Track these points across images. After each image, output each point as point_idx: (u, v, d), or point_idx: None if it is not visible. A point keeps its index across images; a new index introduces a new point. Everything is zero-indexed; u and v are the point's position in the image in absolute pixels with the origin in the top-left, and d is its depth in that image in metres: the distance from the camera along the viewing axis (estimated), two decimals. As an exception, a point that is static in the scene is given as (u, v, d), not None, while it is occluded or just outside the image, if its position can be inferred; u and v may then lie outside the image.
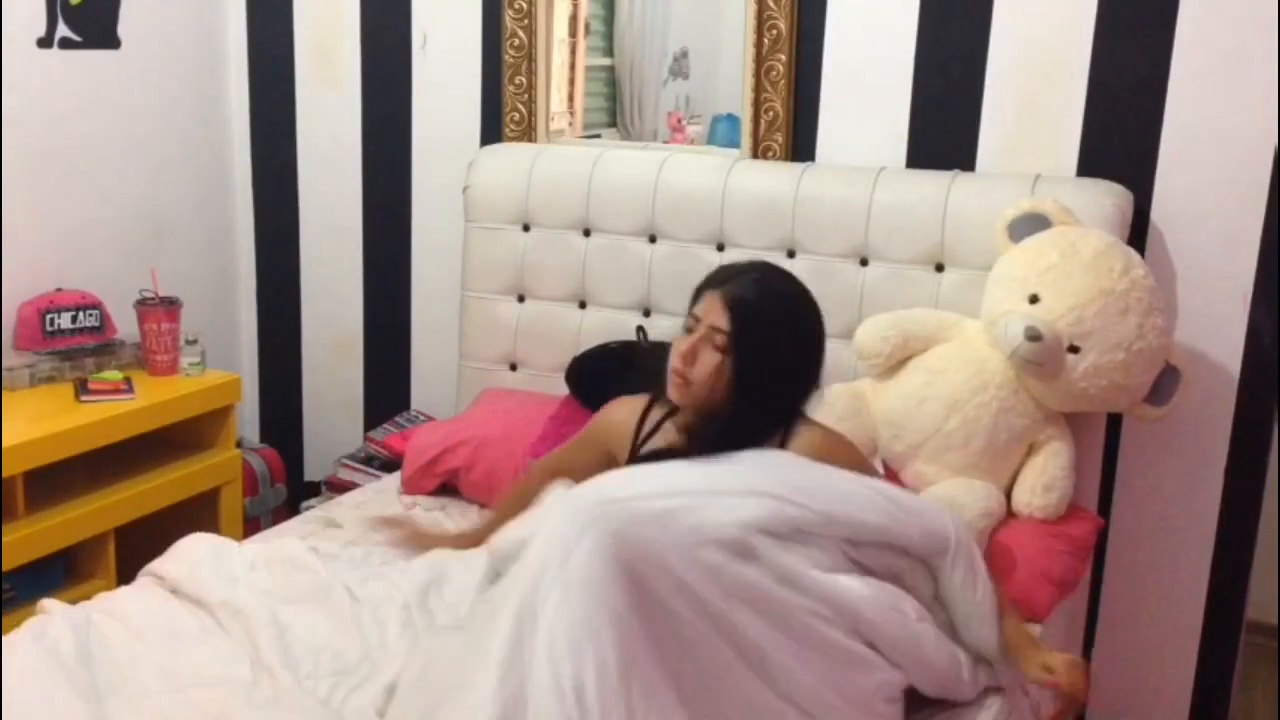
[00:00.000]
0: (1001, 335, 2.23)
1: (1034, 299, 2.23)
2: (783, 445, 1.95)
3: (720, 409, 1.91)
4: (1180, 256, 2.44)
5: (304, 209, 3.37)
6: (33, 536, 2.46)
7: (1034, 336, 2.18)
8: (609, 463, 2.09)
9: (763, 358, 1.89)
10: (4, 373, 2.73)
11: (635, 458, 2.06)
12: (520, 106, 2.96)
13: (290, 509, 3.16)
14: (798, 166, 2.64)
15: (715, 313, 1.89)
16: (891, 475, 2.38)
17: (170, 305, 2.91)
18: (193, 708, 1.72)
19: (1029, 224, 2.31)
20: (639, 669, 1.55)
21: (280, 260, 3.42)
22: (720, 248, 2.66)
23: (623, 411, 2.15)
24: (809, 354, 1.96)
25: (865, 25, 2.62)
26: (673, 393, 1.95)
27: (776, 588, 1.71)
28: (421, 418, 3.14)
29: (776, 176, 2.62)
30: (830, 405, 2.40)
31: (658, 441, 2.05)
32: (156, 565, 2.09)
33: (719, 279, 1.95)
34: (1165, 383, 2.27)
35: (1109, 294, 2.19)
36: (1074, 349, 2.21)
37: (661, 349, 2.64)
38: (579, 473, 1.99)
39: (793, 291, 1.97)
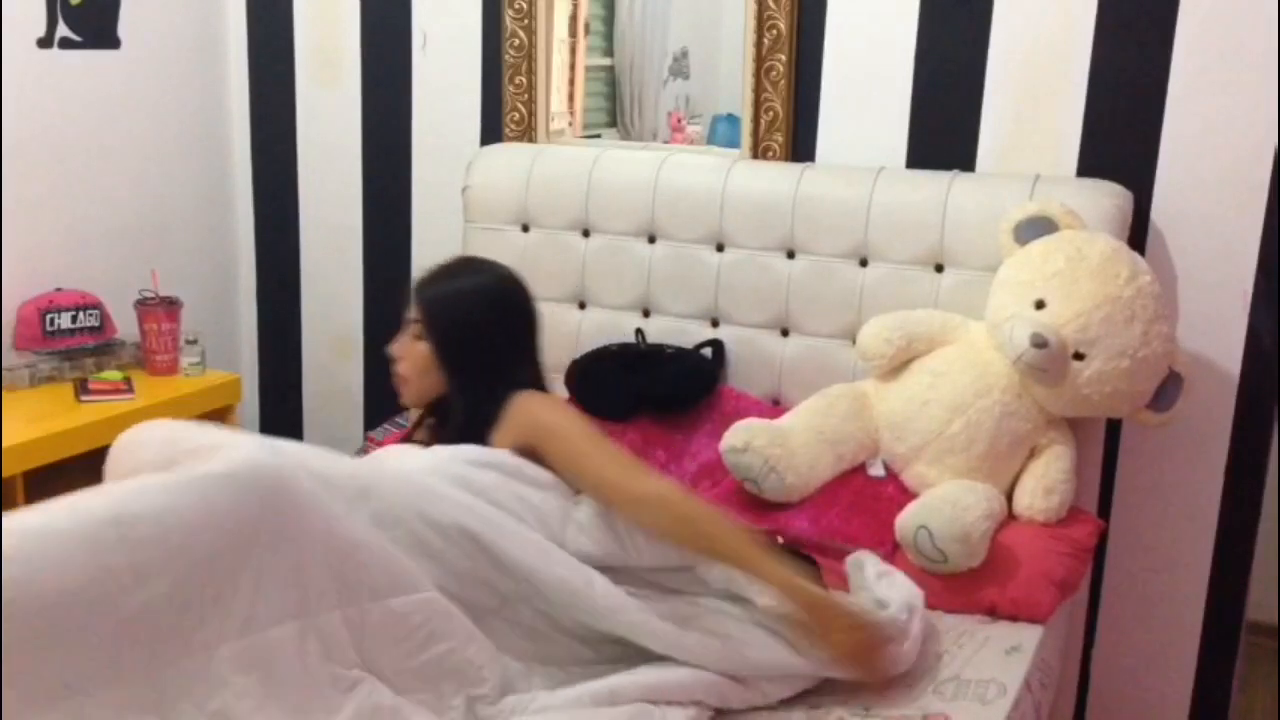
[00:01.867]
0: (1007, 340, 2.23)
1: (1040, 304, 2.23)
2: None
3: (442, 397, 2.05)
4: (1180, 257, 2.44)
5: (304, 209, 3.37)
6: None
7: (1040, 343, 2.18)
8: None
9: (455, 336, 2.02)
10: (4, 373, 2.73)
11: None
12: (520, 106, 2.96)
13: (290, 509, 3.15)
14: (798, 166, 2.64)
15: (414, 308, 2.06)
16: (893, 476, 2.39)
17: (170, 305, 2.92)
18: None
19: (1034, 227, 2.31)
20: None
21: (280, 260, 3.42)
22: (720, 248, 2.66)
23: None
24: (504, 328, 2.06)
25: (865, 25, 2.62)
26: (401, 397, 2.11)
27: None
28: (421, 418, 3.14)
29: (776, 176, 2.62)
30: (833, 405, 2.41)
31: (418, 436, 2.17)
32: None
33: (426, 279, 2.10)
34: (1168, 389, 2.26)
35: (1115, 300, 2.19)
36: (1079, 355, 2.20)
37: (661, 350, 2.66)
38: None
39: (483, 273, 2.11)
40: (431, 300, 2.06)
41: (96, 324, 2.91)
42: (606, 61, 3.29)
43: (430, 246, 3.19)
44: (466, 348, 2.03)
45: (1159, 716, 2.62)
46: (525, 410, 1.97)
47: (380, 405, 3.32)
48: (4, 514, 1.40)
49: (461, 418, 2.01)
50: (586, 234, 2.79)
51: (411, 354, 2.05)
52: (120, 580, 1.41)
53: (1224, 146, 2.37)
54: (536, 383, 2.08)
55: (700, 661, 1.78)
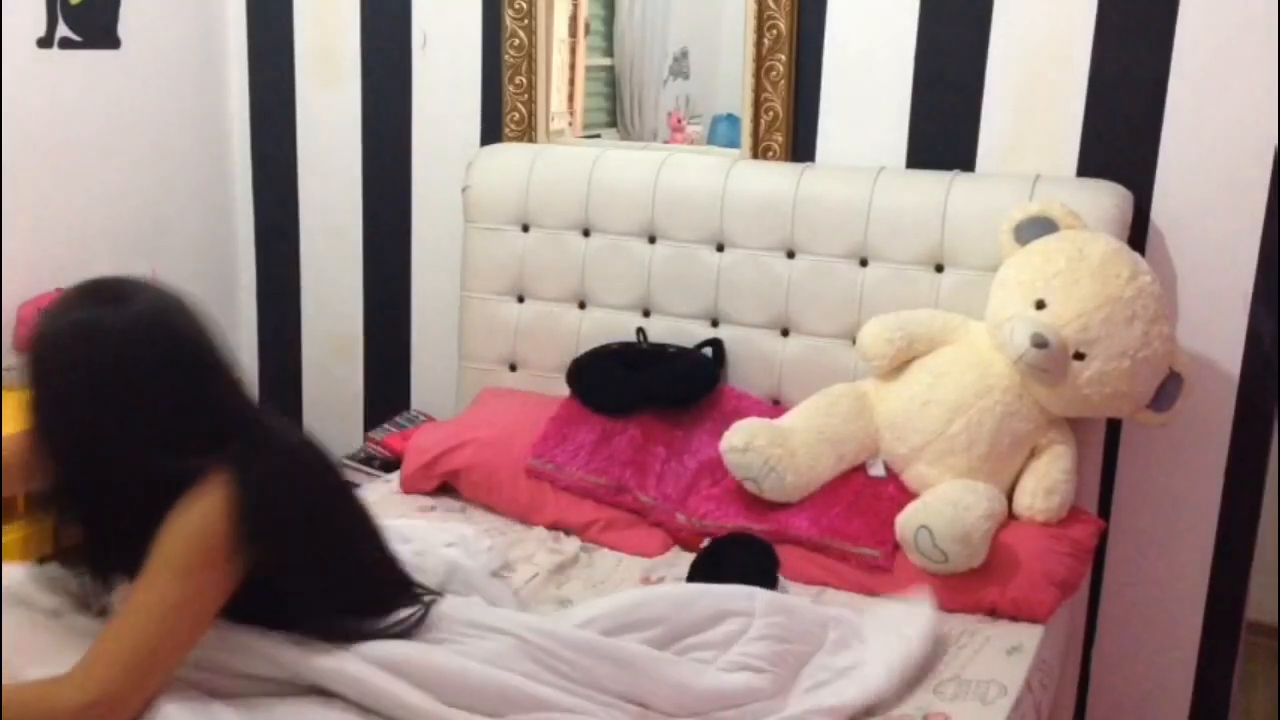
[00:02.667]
0: (1007, 341, 2.23)
1: (1040, 304, 2.23)
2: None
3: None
4: (1180, 257, 2.44)
5: (304, 209, 3.37)
6: (33, 536, 2.46)
7: (1040, 343, 2.18)
8: None
9: (58, 419, 1.52)
10: (4, 373, 2.73)
11: None
12: (520, 106, 2.96)
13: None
14: (798, 166, 2.64)
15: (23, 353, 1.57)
16: (893, 476, 2.39)
17: (170, 305, 2.91)
18: None
19: (1035, 227, 2.31)
20: None
21: (280, 260, 3.42)
22: (720, 248, 2.66)
23: None
24: (117, 401, 1.51)
25: (865, 25, 2.62)
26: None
27: None
28: (421, 418, 3.14)
29: (776, 176, 2.62)
30: (834, 405, 2.41)
31: None
32: None
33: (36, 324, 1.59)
34: (1168, 389, 2.26)
35: (1116, 301, 2.19)
36: (1079, 355, 2.20)
37: (663, 349, 2.66)
38: None
39: (125, 302, 1.55)
40: (43, 344, 1.51)
41: (96, 324, 2.91)
42: (606, 61, 3.29)
43: (430, 246, 3.19)
44: (78, 440, 1.51)
45: (1159, 716, 2.62)
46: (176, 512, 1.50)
47: (380, 405, 3.32)
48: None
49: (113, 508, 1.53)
50: (586, 234, 2.79)
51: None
52: None
53: (1224, 146, 2.37)
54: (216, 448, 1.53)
55: None
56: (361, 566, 1.72)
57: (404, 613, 1.68)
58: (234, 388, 1.64)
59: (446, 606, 1.73)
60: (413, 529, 2.13)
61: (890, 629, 1.96)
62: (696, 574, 2.16)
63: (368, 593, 1.70)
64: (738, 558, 2.17)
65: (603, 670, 1.70)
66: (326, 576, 1.65)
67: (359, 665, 1.58)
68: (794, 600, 2.01)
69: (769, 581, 2.11)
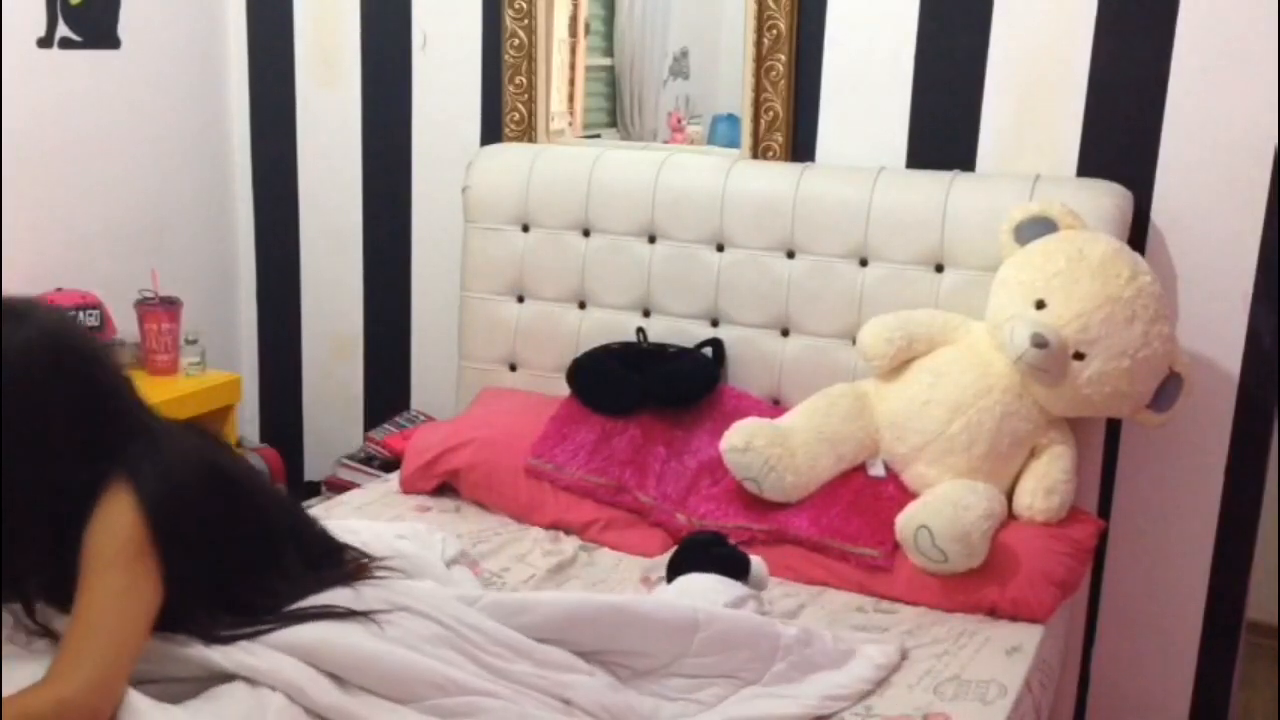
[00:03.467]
0: (1007, 340, 2.23)
1: (1040, 304, 2.23)
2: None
3: None
4: (1180, 257, 2.44)
5: (304, 209, 3.37)
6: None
7: (1040, 343, 2.18)
8: None
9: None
10: (4, 373, 2.73)
11: None
12: (520, 106, 2.96)
13: (290, 509, 3.15)
14: (798, 166, 2.64)
15: None
16: (893, 476, 2.39)
17: (170, 305, 2.92)
18: None
19: (1035, 227, 2.31)
20: None
21: (280, 260, 3.42)
22: (720, 248, 2.66)
23: None
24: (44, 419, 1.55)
25: (865, 25, 2.62)
26: None
27: None
28: (421, 418, 3.14)
29: (776, 176, 2.62)
30: (834, 405, 2.41)
31: None
32: None
33: None
34: (1168, 389, 2.27)
35: (1116, 301, 2.19)
36: (1079, 355, 2.20)
37: (663, 349, 2.66)
38: None
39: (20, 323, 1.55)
40: None
41: (96, 324, 2.91)
42: (606, 61, 3.28)
43: (430, 246, 3.19)
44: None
45: (1159, 716, 2.62)
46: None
47: (380, 405, 3.32)
48: None
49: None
50: (586, 234, 2.79)
51: None
52: None
53: (1224, 146, 2.37)
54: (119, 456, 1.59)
55: None
56: (278, 534, 1.75)
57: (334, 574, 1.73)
58: (126, 395, 1.67)
59: (373, 588, 1.74)
60: (361, 525, 2.14)
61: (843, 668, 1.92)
62: (673, 571, 2.17)
63: (291, 557, 1.73)
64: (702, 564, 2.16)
65: (525, 668, 1.71)
66: (243, 550, 1.68)
67: (269, 657, 1.59)
68: (743, 631, 1.88)
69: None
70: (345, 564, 1.80)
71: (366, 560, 1.82)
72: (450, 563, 2.13)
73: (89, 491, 1.56)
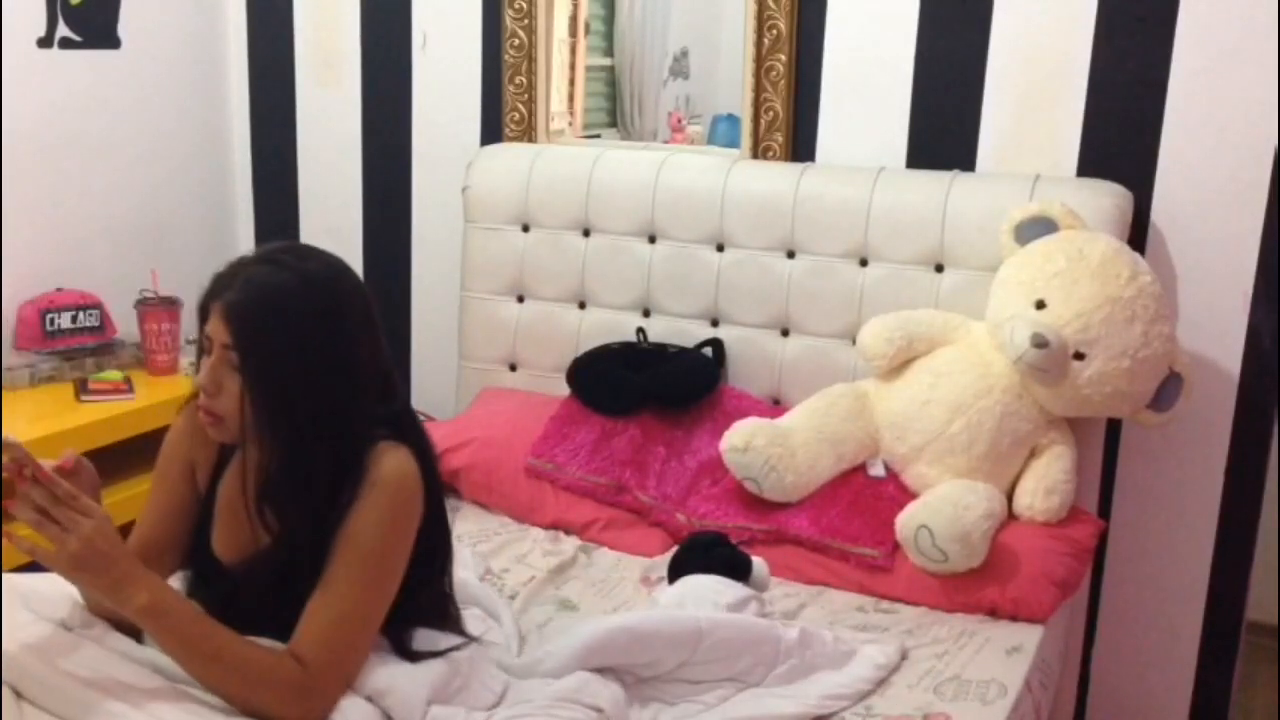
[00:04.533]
0: (1007, 340, 2.23)
1: (1040, 304, 2.23)
2: (358, 481, 1.57)
3: (268, 444, 1.57)
4: (1180, 256, 2.44)
5: (304, 209, 3.37)
6: (33, 536, 2.46)
7: (1040, 343, 2.18)
8: (192, 474, 1.73)
9: (276, 372, 1.53)
10: (4, 373, 2.73)
11: (210, 494, 1.72)
12: (520, 106, 2.96)
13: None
14: (798, 166, 2.64)
15: (219, 329, 1.54)
16: (893, 476, 2.39)
17: (170, 305, 2.91)
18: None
19: (1035, 227, 2.31)
20: None
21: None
22: (720, 248, 2.66)
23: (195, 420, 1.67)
24: (339, 354, 1.57)
25: (865, 25, 2.62)
26: (211, 434, 1.62)
27: None
28: (421, 418, 3.12)
29: (776, 176, 2.62)
30: (834, 405, 2.41)
31: (230, 481, 1.68)
32: None
33: (223, 284, 1.56)
34: (1168, 389, 2.27)
35: (1116, 301, 2.19)
36: (1079, 355, 2.20)
37: (663, 349, 2.66)
38: (171, 512, 1.71)
39: (306, 279, 1.55)
40: (247, 329, 1.52)
41: (96, 324, 2.91)
42: (606, 61, 3.29)
43: (430, 246, 3.19)
44: (299, 394, 1.54)
45: (1159, 716, 2.62)
46: (378, 483, 1.57)
47: (380, 405, 3.32)
48: None
49: (300, 476, 1.56)
50: (586, 234, 2.79)
51: (230, 389, 1.55)
52: None
53: (1224, 146, 2.37)
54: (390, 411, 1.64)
55: None
56: (441, 580, 1.76)
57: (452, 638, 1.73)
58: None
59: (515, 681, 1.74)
60: None
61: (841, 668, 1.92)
62: (675, 571, 2.18)
63: (434, 605, 1.74)
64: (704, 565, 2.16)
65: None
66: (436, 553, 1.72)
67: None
68: (746, 636, 1.88)
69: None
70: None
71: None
72: (479, 579, 2.15)
73: (354, 431, 1.57)
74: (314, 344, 1.54)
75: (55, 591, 1.68)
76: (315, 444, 1.55)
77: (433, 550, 1.68)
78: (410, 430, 1.66)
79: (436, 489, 1.67)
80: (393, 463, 1.58)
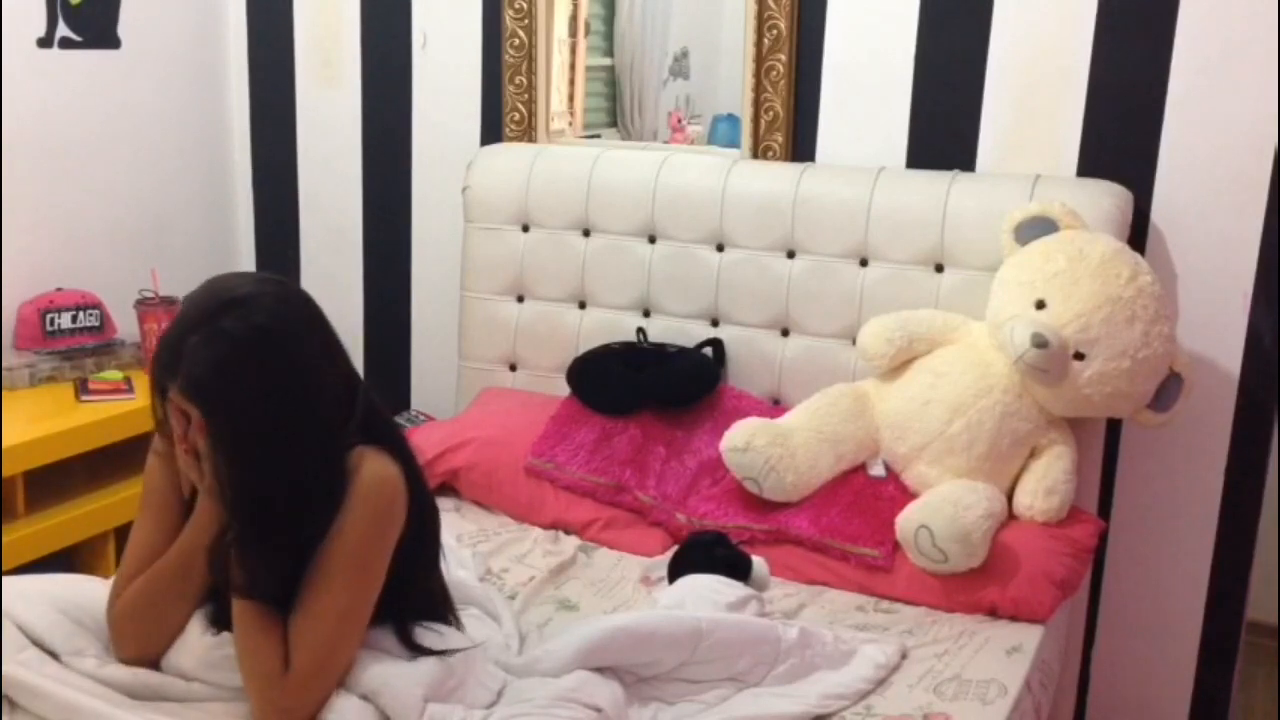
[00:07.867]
0: (1008, 340, 2.23)
1: (1040, 304, 2.23)
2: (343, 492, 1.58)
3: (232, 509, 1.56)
4: (1180, 256, 2.44)
5: (304, 209, 3.37)
6: (33, 536, 2.46)
7: (1041, 343, 2.18)
8: (178, 498, 1.70)
9: (254, 438, 1.52)
10: (4, 373, 2.73)
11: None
12: (520, 106, 2.96)
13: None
14: (798, 166, 2.64)
15: (189, 406, 1.52)
16: (893, 476, 2.39)
17: (170, 305, 2.91)
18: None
19: (1035, 227, 2.31)
20: None
21: (280, 260, 3.42)
22: (720, 248, 2.66)
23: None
24: (309, 394, 1.57)
25: (865, 25, 2.62)
26: (193, 475, 1.59)
27: None
28: (421, 418, 3.14)
29: (776, 176, 2.62)
30: (834, 405, 2.41)
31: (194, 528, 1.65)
32: None
33: (174, 358, 1.52)
34: (1168, 389, 2.27)
35: (1116, 301, 2.19)
36: (1079, 355, 2.20)
37: (663, 348, 2.66)
38: (162, 532, 1.67)
39: (260, 333, 1.53)
40: (215, 404, 1.50)
41: (96, 324, 2.91)
42: (606, 61, 3.28)
43: (430, 246, 3.19)
44: (272, 443, 1.53)
45: (1159, 716, 2.62)
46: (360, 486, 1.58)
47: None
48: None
49: (293, 504, 1.55)
50: (586, 234, 2.79)
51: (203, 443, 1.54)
52: None
53: (1224, 146, 2.37)
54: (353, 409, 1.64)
55: None
56: (430, 576, 1.77)
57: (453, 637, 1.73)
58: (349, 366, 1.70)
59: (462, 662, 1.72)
60: None
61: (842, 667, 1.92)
62: (675, 571, 2.18)
63: (428, 603, 1.75)
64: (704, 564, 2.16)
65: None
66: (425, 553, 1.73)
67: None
68: (746, 636, 1.88)
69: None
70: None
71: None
72: (480, 579, 2.15)
73: (339, 464, 1.58)
74: (286, 393, 1.55)
75: (41, 600, 1.68)
76: (288, 500, 1.55)
77: (422, 543, 1.70)
78: (381, 428, 1.68)
79: (419, 482, 1.69)
80: (372, 467, 1.60)
